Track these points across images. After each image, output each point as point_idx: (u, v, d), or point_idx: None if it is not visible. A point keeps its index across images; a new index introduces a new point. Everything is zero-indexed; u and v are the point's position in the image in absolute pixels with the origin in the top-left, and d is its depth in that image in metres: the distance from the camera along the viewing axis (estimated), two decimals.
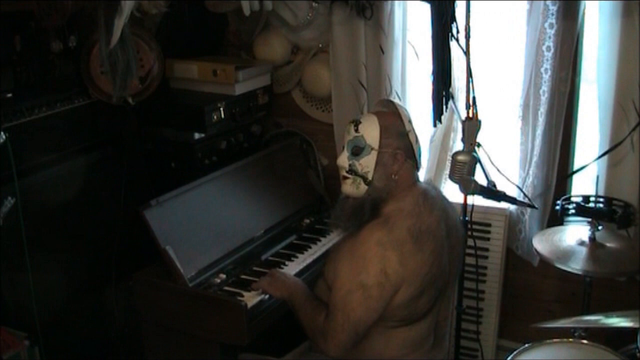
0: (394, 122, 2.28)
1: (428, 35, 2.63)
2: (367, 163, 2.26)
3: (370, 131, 2.26)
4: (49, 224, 2.67)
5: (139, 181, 3.00)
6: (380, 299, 2.17)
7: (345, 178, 2.31)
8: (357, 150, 2.27)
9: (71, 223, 2.76)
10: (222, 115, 3.05)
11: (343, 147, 2.32)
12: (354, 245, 2.22)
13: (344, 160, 2.30)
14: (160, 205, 2.60)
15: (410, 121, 2.31)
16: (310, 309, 2.34)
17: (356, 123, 2.29)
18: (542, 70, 2.85)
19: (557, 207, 2.83)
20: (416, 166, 2.31)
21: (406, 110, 2.35)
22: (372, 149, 2.25)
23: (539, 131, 2.90)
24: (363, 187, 2.27)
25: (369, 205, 2.25)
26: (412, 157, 2.29)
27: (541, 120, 2.89)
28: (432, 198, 2.30)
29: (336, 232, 2.48)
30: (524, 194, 2.91)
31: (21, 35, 2.70)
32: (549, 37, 2.80)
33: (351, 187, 2.30)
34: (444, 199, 2.39)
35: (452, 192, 3.04)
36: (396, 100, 2.39)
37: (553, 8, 2.77)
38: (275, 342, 2.77)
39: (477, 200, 2.65)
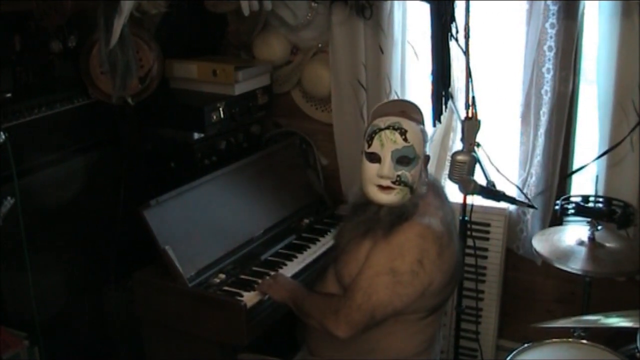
0: (423, 125, 2.31)
1: (427, 35, 2.63)
2: (416, 173, 2.24)
3: (417, 140, 2.23)
4: (48, 224, 2.67)
5: (139, 181, 3.00)
6: (409, 287, 2.17)
7: (390, 188, 2.22)
8: (407, 161, 2.21)
9: (71, 223, 2.76)
10: (222, 115, 3.05)
11: (377, 155, 2.23)
12: (391, 236, 2.20)
13: (390, 170, 2.21)
14: (159, 205, 2.60)
15: None
16: (321, 295, 2.36)
17: (402, 131, 2.21)
18: (544, 70, 2.85)
19: (557, 207, 2.83)
20: None
21: None
22: (419, 158, 2.25)
23: (542, 130, 2.90)
24: (407, 196, 2.24)
25: (411, 208, 2.24)
26: None
27: (544, 120, 2.89)
28: (439, 188, 2.41)
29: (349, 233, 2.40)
30: (524, 194, 2.91)
31: (21, 35, 2.70)
32: (551, 37, 2.80)
33: (396, 197, 2.22)
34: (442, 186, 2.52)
35: (451, 192, 3.05)
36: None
37: (554, 8, 2.77)
38: (275, 342, 2.77)
39: (476, 200, 2.65)
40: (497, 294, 3.16)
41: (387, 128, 2.22)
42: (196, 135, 3.04)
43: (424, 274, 2.16)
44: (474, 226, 2.84)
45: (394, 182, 2.21)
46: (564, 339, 2.41)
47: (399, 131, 2.21)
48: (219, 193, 2.87)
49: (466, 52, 2.55)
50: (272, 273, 2.67)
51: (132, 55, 2.70)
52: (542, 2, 2.78)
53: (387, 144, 2.21)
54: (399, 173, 2.21)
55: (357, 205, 2.34)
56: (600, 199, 2.79)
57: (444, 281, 2.24)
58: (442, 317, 2.46)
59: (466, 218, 2.70)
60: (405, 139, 2.21)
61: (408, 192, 2.23)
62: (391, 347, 2.31)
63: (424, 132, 2.29)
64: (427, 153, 2.32)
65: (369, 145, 2.25)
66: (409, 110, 2.30)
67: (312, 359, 2.49)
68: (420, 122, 2.31)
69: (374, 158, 2.24)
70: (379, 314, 2.19)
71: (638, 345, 2.11)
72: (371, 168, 2.24)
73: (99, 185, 2.87)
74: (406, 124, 2.23)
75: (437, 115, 2.72)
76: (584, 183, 3.00)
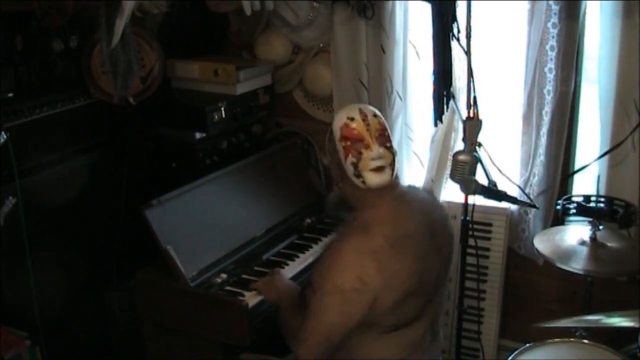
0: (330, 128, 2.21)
1: (429, 35, 2.62)
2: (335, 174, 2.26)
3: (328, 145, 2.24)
4: (50, 224, 2.67)
5: (140, 181, 3.01)
6: (356, 305, 2.10)
7: None
8: None
9: (72, 223, 2.77)
10: (224, 115, 3.05)
11: None
12: (334, 250, 2.16)
13: None
14: (161, 205, 2.60)
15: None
16: (291, 313, 2.31)
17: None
18: (547, 69, 2.84)
19: (558, 207, 2.83)
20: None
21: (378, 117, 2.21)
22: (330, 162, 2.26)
23: (544, 130, 2.90)
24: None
25: (347, 218, 2.24)
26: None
27: (546, 119, 2.88)
28: (408, 202, 2.23)
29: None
30: (525, 193, 2.91)
31: (22, 35, 2.70)
32: (553, 37, 2.80)
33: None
34: (426, 201, 2.33)
35: (453, 192, 3.05)
36: (368, 106, 2.32)
37: (556, 8, 2.76)
38: (277, 342, 2.77)
39: (478, 200, 2.65)
40: (499, 294, 3.16)
41: None
42: (198, 135, 3.04)
43: (367, 290, 2.08)
44: (475, 226, 2.84)
45: None
46: (566, 339, 2.41)
47: None
48: (220, 193, 2.87)
49: (468, 52, 2.55)
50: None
51: (134, 55, 2.71)
52: (544, 2, 2.77)
53: None
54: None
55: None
56: (602, 199, 2.79)
57: (396, 299, 2.12)
58: (427, 326, 2.31)
59: (468, 218, 2.70)
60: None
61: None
62: (370, 353, 2.25)
63: (329, 133, 2.21)
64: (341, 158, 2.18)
65: None
66: None
67: None
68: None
69: None
70: (334, 335, 2.13)
71: (639, 345, 2.11)
72: None
73: (100, 185, 2.87)
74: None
75: (438, 115, 2.72)
76: (586, 183, 3.00)
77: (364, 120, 2.15)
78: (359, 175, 2.13)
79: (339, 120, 2.17)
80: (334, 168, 2.23)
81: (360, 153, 2.13)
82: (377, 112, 2.22)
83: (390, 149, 2.17)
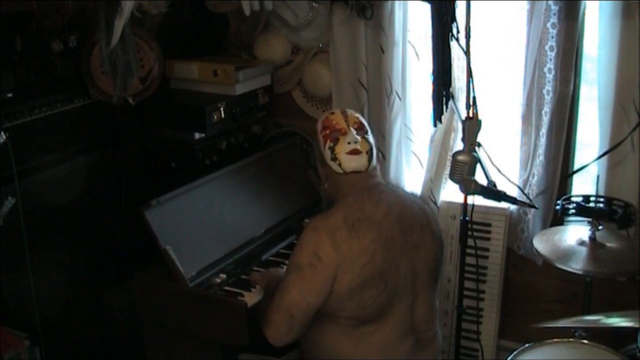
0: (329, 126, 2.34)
1: (428, 35, 2.63)
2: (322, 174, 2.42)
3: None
4: (49, 224, 2.67)
5: (140, 181, 3.00)
6: (313, 280, 2.16)
7: None
8: None
9: (72, 223, 2.76)
10: (223, 116, 3.06)
11: None
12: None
13: None
14: (160, 205, 2.60)
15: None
16: (265, 298, 2.38)
17: None
18: (546, 70, 2.84)
19: (558, 207, 2.83)
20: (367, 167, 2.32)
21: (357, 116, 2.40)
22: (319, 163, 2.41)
23: (544, 130, 2.90)
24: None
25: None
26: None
27: (546, 119, 2.88)
28: (379, 193, 2.31)
29: None
30: (525, 194, 2.91)
31: (22, 36, 2.70)
32: (552, 37, 2.80)
33: None
34: (405, 198, 2.40)
35: (452, 192, 3.05)
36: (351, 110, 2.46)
37: (555, 8, 2.76)
38: None
39: (477, 200, 2.65)
40: (498, 294, 3.16)
41: None
42: (197, 135, 3.04)
43: (322, 266, 2.16)
44: (475, 226, 2.84)
45: None
46: (565, 339, 2.41)
47: None
48: (219, 193, 2.87)
49: (467, 52, 2.55)
50: None
51: (133, 55, 2.71)
52: (544, 2, 2.77)
53: None
54: None
55: None
56: (601, 199, 2.79)
57: (354, 281, 2.16)
58: (401, 329, 2.30)
59: (467, 218, 2.70)
60: None
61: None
62: (340, 350, 2.28)
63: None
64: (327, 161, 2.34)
65: None
66: None
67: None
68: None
69: None
70: (295, 312, 2.17)
71: (639, 345, 2.11)
72: None
73: (99, 185, 2.87)
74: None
75: (437, 115, 2.72)
76: (585, 183, 3.00)
77: (343, 113, 2.37)
78: (335, 158, 2.30)
79: (321, 117, 2.40)
80: (320, 169, 2.39)
81: (337, 139, 2.30)
82: (360, 115, 2.41)
83: (367, 139, 2.32)
